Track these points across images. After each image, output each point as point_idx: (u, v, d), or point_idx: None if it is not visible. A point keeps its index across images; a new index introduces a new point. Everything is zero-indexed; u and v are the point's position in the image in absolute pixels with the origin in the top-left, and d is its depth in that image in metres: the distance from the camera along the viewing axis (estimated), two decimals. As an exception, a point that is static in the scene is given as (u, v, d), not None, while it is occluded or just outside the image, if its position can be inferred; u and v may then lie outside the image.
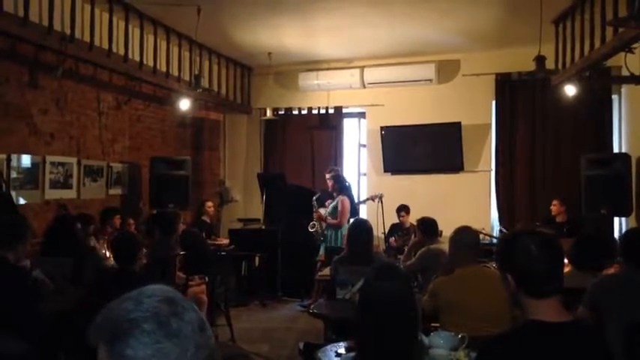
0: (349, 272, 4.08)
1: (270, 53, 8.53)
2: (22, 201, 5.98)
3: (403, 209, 7.63)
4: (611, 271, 3.88)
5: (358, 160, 9.54)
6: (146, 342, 0.97)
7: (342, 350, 2.85)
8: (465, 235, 3.60)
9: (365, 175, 9.36)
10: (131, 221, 6.90)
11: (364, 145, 9.40)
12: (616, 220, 7.41)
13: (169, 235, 6.05)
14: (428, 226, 5.31)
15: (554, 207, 7.31)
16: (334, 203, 7.38)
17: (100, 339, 1.00)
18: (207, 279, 5.89)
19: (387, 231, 7.71)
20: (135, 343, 0.97)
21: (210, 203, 8.60)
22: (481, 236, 6.54)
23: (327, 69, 9.04)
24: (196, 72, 7.70)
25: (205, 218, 8.31)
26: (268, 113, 9.39)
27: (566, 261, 3.74)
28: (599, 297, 3.11)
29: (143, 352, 0.96)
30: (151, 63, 7.02)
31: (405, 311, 1.99)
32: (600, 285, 3.22)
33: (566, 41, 6.40)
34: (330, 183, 7.56)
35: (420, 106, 8.74)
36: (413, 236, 6.15)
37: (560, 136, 8.15)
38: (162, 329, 0.98)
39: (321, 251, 7.28)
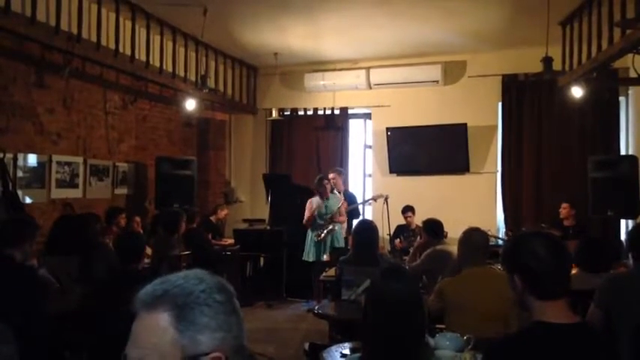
0: (355, 273, 4.08)
1: (276, 54, 8.54)
2: (28, 200, 6.00)
3: (409, 210, 7.61)
4: (620, 270, 3.85)
5: (364, 161, 9.54)
6: (220, 311, 1.02)
7: (347, 351, 2.84)
8: (475, 236, 3.59)
9: (370, 176, 9.35)
10: (137, 219, 6.91)
11: (370, 146, 9.39)
12: (622, 222, 7.38)
13: (172, 233, 6.06)
14: (433, 228, 5.30)
15: (564, 210, 7.25)
16: (336, 202, 7.35)
17: (152, 309, 1.01)
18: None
19: (392, 232, 7.69)
20: (210, 311, 1.01)
21: (226, 211, 8.65)
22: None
23: (333, 70, 9.04)
24: (202, 72, 7.72)
25: (212, 218, 8.33)
26: (274, 114, 9.39)
27: (572, 263, 3.72)
28: (609, 296, 3.08)
29: (215, 321, 1.01)
30: (157, 63, 7.04)
31: (412, 312, 1.98)
32: (611, 284, 3.18)
33: (573, 42, 6.38)
34: (337, 182, 7.56)
35: (426, 107, 8.73)
36: (418, 238, 6.14)
37: (567, 138, 8.11)
38: (229, 303, 1.05)
39: (312, 253, 7.26)
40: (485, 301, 3.20)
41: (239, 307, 1.06)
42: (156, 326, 0.99)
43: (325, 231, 7.14)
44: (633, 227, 3.75)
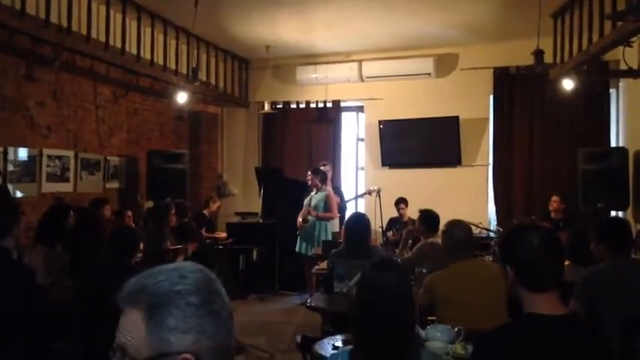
0: (347, 266, 4.08)
1: (267, 46, 8.50)
2: (18, 194, 5.96)
3: (402, 202, 7.65)
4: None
5: (356, 154, 9.54)
6: (190, 314, 0.99)
7: (339, 343, 2.86)
8: (456, 230, 3.58)
9: (363, 169, 9.36)
10: (129, 213, 6.87)
11: (362, 139, 9.39)
12: (613, 213, 7.42)
13: (161, 226, 6.05)
14: (430, 220, 5.23)
15: (555, 203, 7.30)
16: (320, 196, 7.29)
17: (133, 305, 1.02)
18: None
19: (384, 225, 7.70)
20: (179, 313, 0.99)
21: (219, 203, 8.66)
22: (478, 230, 6.57)
23: (325, 62, 9.02)
24: (194, 65, 7.67)
25: (205, 212, 8.31)
26: (266, 107, 9.37)
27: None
28: (592, 290, 3.08)
29: (184, 323, 0.99)
30: (148, 56, 7.00)
31: (403, 304, 1.99)
32: (592, 277, 3.17)
33: (564, 35, 6.39)
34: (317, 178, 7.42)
35: (418, 100, 8.73)
36: (409, 226, 6.14)
37: (558, 130, 8.15)
38: (206, 306, 1.01)
39: (300, 245, 7.26)
40: (475, 293, 3.21)
41: (223, 307, 1.03)
42: (133, 321, 1.01)
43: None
44: (605, 221, 3.75)
